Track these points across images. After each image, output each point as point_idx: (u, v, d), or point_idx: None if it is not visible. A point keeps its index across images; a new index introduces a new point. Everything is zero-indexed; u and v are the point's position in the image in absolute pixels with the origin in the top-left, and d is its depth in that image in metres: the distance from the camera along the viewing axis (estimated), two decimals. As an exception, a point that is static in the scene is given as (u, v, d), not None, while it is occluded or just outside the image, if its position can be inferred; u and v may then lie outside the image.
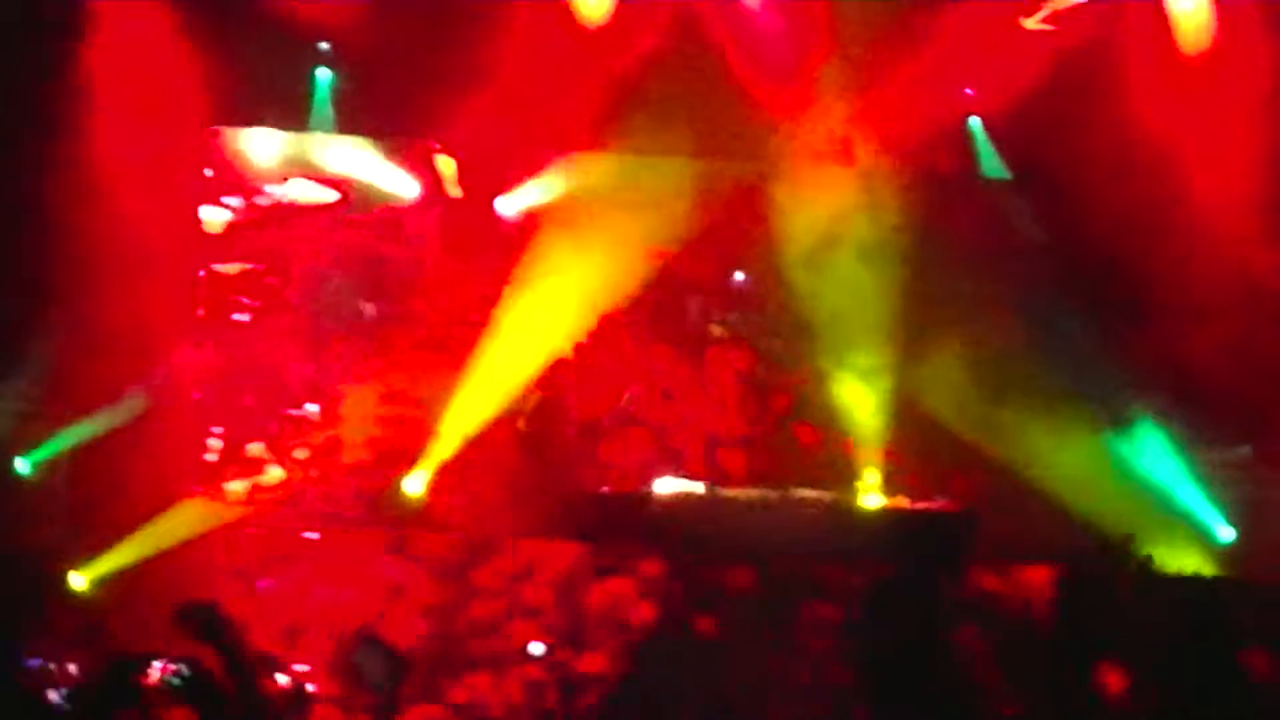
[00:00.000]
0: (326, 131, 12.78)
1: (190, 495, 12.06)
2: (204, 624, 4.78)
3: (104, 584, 11.40)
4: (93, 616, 11.02)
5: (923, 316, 12.46)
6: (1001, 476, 12.59)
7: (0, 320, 11.85)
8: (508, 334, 12.49)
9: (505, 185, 12.79)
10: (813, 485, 11.45)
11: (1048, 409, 12.44)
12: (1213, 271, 12.20)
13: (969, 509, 11.45)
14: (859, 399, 12.44)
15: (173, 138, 12.13)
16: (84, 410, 11.91)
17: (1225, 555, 12.07)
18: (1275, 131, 11.95)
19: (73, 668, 9.16)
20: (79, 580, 11.46)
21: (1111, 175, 12.33)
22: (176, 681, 6.72)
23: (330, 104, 12.69)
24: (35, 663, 9.31)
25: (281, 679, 7.53)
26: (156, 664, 7.06)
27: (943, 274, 12.46)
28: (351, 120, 12.74)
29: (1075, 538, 11.63)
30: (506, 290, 12.42)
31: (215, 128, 12.62)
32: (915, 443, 12.59)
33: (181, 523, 11.40)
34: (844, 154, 12.42)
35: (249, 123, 12.73)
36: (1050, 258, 12.74)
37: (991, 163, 13.01)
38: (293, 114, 12.69)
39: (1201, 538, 12.36)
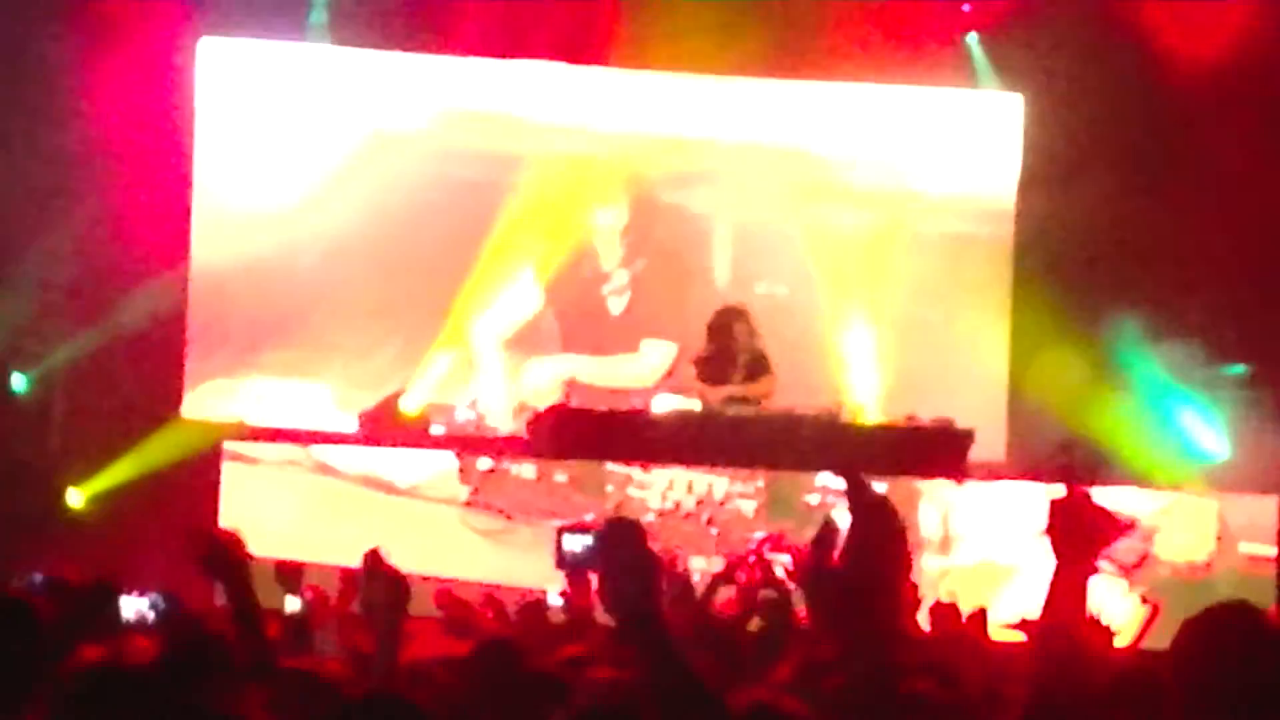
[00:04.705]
0: (322, 41, 12.70)
1: (187, 413, 12.08)
2: (217, 557, 4.51)
3: (100, 500, 11.39)
4: (87, 534, 10.99)
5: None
6: (1000, 390, 12.72)
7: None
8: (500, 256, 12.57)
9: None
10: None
11: (1050, 327, 12.50)
12: (1215, 193, 12.21)
13: (965, 427, 11.43)
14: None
15: (163, 47, 12.06)
16: (80, 326, 11.89)
17: (1218, 472, 12.12)
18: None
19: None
20: (76, 497, 11.44)
21: (1111, 96, 12.31)
22: (149, 613, 6.65)
23: (327, 11, 12.56)
24: (38, 578, 9.24)
25: (292, 603, 7.44)
26: (130, 598, 7.02)
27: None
28: (350, 31, 12.66)
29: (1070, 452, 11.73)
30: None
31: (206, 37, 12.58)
32: (911, 358, 12.67)
33: (179, 440, 11.33)
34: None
35: (241, 32, 12.65)
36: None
37: (989, 79, 12.95)
38: (289, 22, 12.59)
39: (1195, 454, 12.42)
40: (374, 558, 5.62)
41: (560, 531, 4.23)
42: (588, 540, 4.09)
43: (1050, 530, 3.30)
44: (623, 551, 3.16)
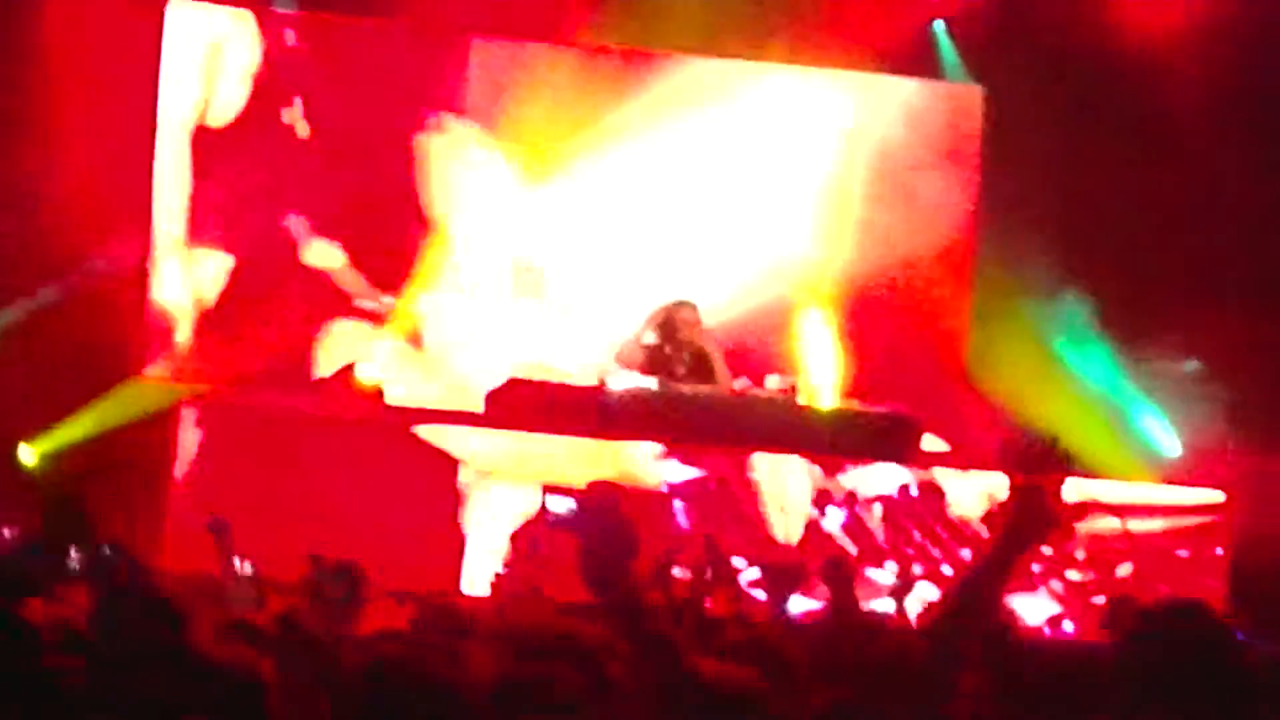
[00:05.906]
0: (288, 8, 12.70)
1: (143, 372, 12.07)
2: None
3: (53, 459, 11.37)
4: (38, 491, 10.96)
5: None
6: (950, 382, 12.82)
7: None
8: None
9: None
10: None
11: (1008, 318, 12.61)
12: (1174, 183, 12.30)
13: (916, 414, 11.53)
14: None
15: (119, 12, 12.03)
16: (31, 284, 11.87)
17: (1169, 468, 12.23)
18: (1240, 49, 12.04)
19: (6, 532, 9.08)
20: (28, 454, 11.42)
21: (1079, 82, 12.38)
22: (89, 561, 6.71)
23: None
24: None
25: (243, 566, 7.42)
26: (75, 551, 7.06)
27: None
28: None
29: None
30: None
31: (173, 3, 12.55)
32: (869, 343, 12.76)
33: (134, 400, 11.33)
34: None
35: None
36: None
37: (955, 69, 13.00)
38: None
39: (1147, 450, 12.53)
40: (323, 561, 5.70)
41: (545, 490, 4.29)
42: (570, 502, 4.10)
43: (1004, 510, 3.24)
44: (601, 518, 3.16)
